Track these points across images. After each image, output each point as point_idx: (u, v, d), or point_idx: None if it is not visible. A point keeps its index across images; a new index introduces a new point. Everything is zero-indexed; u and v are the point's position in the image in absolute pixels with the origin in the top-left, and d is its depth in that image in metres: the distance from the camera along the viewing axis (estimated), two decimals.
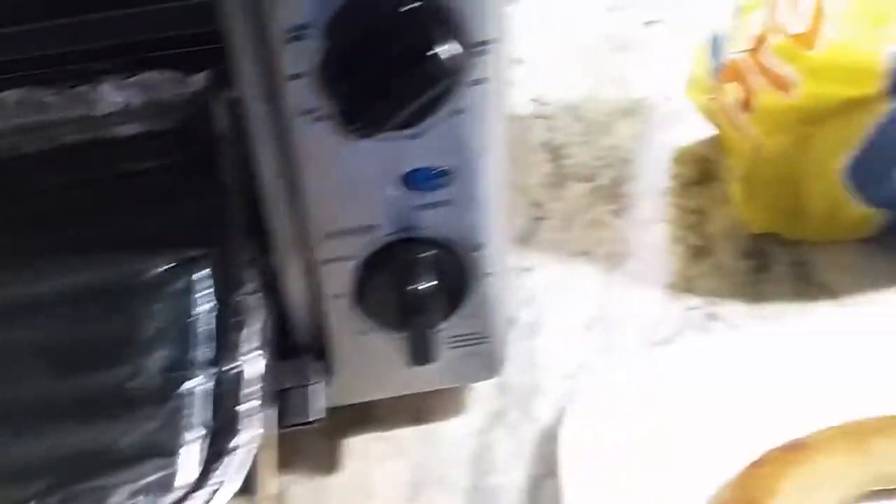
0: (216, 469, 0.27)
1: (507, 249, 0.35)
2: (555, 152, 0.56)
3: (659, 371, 0.40)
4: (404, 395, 0.40)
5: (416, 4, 0.26)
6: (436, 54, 0.26)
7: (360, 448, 0.40)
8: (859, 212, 0.44)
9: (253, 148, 0.31)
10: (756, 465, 0.36)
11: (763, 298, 0.46)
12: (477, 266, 0.34)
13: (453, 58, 0.27)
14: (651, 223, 0.50)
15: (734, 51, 0.42)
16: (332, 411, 0.37)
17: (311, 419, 0.35)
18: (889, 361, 0.40)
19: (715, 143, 0.53)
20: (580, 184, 0.53)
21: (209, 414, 0.29)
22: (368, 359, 0.37)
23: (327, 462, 0.40)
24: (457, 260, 0.34)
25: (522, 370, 0.43)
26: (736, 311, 0.45)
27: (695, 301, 0.46)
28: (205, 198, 0.36)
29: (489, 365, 0.38)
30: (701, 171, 0.53)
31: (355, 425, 0.41)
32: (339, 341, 0.36)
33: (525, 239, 0.50)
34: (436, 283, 0.32)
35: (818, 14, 0.37)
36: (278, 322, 0.36)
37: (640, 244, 0.49)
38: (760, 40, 0.41)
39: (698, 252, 0.48)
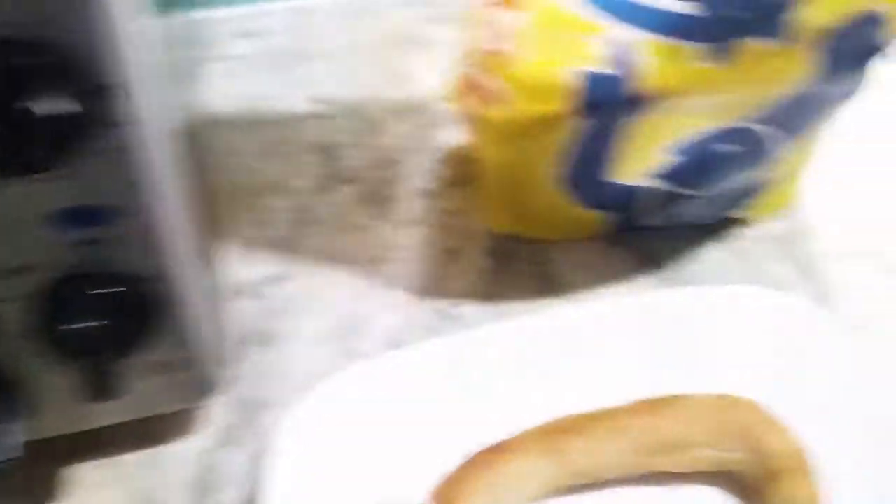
0: None
1: (199, 275, 0.35)
2: (327, 154, 0.56)
3: (385, 375, 0.41)
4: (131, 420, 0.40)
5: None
6: (26, 108, 0.26)
7: (77, 477, 0.40)
8: (585, 214, 0.45)
9: None
10: (459, 467, 0.38)
11: (504, 297, 0.47)
12: (158, 298, 0.34)
13: (50, 110, 0.26)
14: (411, 225, 0.51)
15: (466, 62, 0.43)
16: (48, 441, 0.37)
17: (5, 458, 0.35)
18: (613, 356, 0.41)
19: None
20: (348, 186, 0.53)
21: None
22: (63, 392, 0.36)
23: (41, 495, 0.39)
24: (131, 294, 0.33)
25: (259, 384, 0.43)
26: (476, 311, 0.46)
27: (441, 303, 0.47)
28: None
29: (198, 389, 0.38)
30: (464, 173, 0.53)
31: (76, 453, 0.40)
32: (27, 377, 0.35)
33: (286, 245, 0.50)
34: (97, 320, 0.32)
35: (508, 34, 0.38)
36: None
37: (397, 248, 0.50)
38: (478, 54, 0.41)
39: (450, 253, 0.49)
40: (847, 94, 0.42)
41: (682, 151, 0.41)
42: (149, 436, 0.41)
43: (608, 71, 0.37)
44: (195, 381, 0.38)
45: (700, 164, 0.42)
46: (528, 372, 0.41)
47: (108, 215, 0.31)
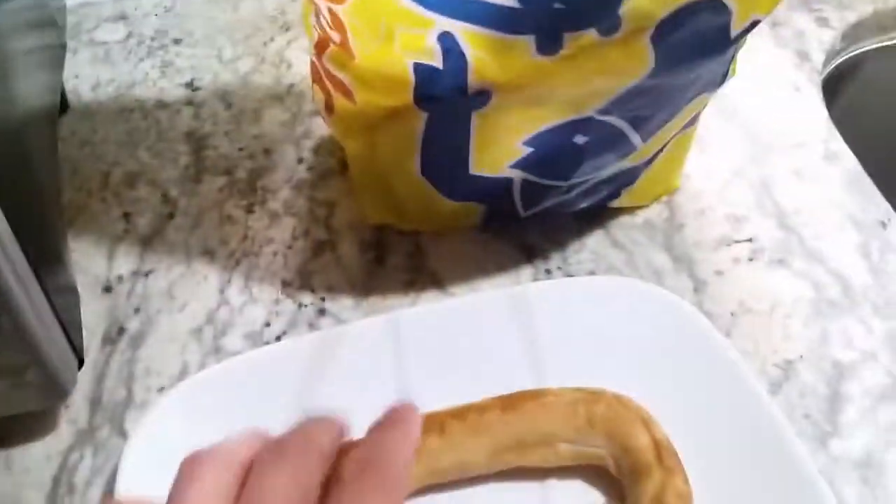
0: None
1: (26, 279, 0.34)
2: (197, 143, 0.55)
3: (249, 371, 0.41)
4: None
5: None
6: None
7: None
8: (455, 206, 0.46)
9: None
10: None
11: (376, 291, 0.47)
12: None
13: None
14: (282, 217, 0.51)
15: (314, 53, 0.42)
16: None
17: None
18: (488, 349, 0.42)
19: None
20: (217, 177, 0.53)
21: None
22: None
23: None
24: None
25: (120, 383, 0.43)
26: (347, 305, 0.47)
27: (308, 297, 0.47)
28: None
29: (50, 391, 0.37)
30: (338, 162, 0.53)
31: None
32: None
33: (151, 239, 0.49)
34: None
35: (341, 26, 0.37)
36: None
37: (266, 240, 0.50)
38: (322, 45, 0.41)
39: (321, 246, 0.49)
40: (708, 85, 0.43)
41: (536, 143, 0.42)
42: (4, 438, 0.40)
43: (436, 64, 0.37)
44: (46, 382, 0.37)
45: (557, 156, 0.43)
46: (401, 367, 0.41)
47: None
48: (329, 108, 0.43)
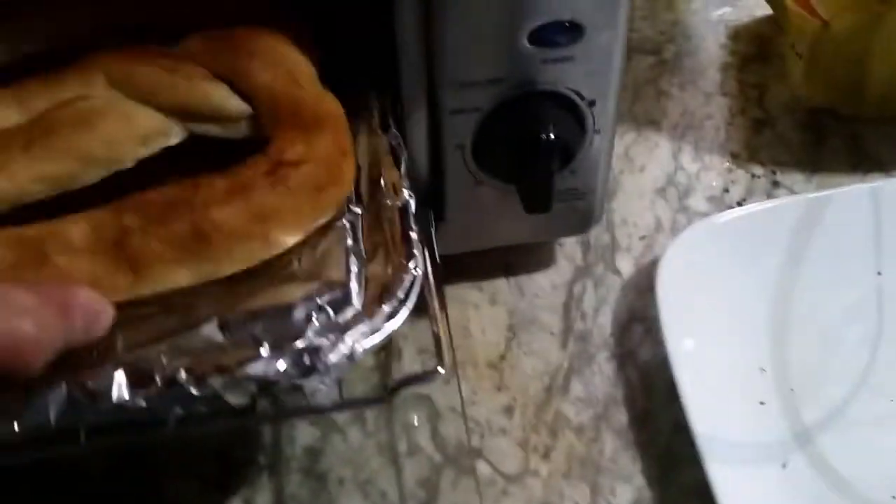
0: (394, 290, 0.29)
1: (617, 107, 0.37)
2: None
3: (732, 229, 0.43)
4: (494, 250, 0.43)
5: None
6: None
7: (457, 296, 0.43)
8: None
9: None
10: None
11: (823, 168, 0.49)
12: (592, 120, 0.36)
13: None
14: (715, 96, 0.52)
15: None
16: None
17: None
18: None
19: (770, 22, 0.55)
20: (646, 56, 0.55)
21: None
22: (478, 210, 0.39)
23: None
24: (575, 114, 0.36)
25: (602, 229, 0.46)
26: (798, 179, 0.48)
27: (759, 169, 0.49)
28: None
29: (586, 219, 0.40)
30: (759, 48, 0.55)
31: (450, 277, 0.43)
32: (452, 192, 0.38)
33: None
34: (559, 133, 0.34)
35: None
36: None
37: (703, 115, 0.52)
38: None
39: (759, 124, 0.51)
40: None
41: None
42: (512, 267, 0.44)
43: None
44: (587, 211, 0.40)
45: None
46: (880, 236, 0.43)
47: (579, 32, 0.33)
48: None
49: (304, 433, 0.39)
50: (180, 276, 0.29)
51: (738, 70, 0.54)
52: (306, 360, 0.27)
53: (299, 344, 0.28)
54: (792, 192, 0.48)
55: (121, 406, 0.27)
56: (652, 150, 0.50)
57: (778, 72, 0.53)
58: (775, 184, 0.48)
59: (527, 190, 0.36)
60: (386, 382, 0.40)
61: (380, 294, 0.29)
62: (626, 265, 0.45)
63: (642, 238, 0.46)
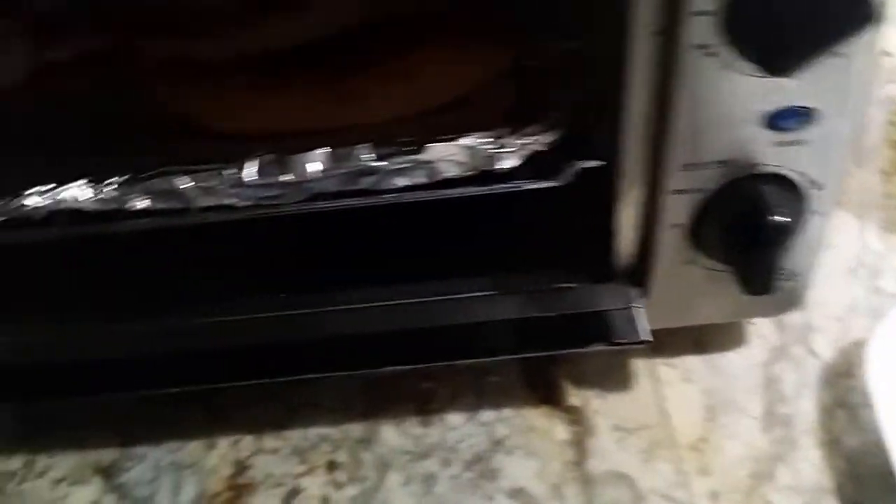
0: None
1: (838, 191, 0.37)
2: None
3: None
4: (686, 327, 0.42)
5: None
6: None
7: (648, 371, 0.42)
8: None
9: (629, 75, 0.33)
10: None
11: None
12: (813, 204, 0.36)
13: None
14: (891, 175, 0.51)
15: None
16: None
17: (641, 339, 0.38)
18: None
19: None
20: None
21: None
22: (683, 288, 0.39)
23: (621, 381, 0.42)
24: (797, 197, 0.35)
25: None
26: None
27: None
28: None
29: (793, 301, 0.40)
30: None
31: (640, 352, 0.43)
32: (662, 269, 0.38)
33: None
34: (783, 215, 0.34)
35: None
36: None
37: (884, 194, 0.51)
38: None
39: None
40: None
41: None
42: (703, 344, 0.43)
43: None
44: (795, 292, 0.39)
45: None
46: None
47: (813, 117, 0.33)
48: None
49: None
50: None
51: None
52: None
53: None
54: None
55: None
56: (838, 230, 0.49)
57: None
58: None
59: (748, 272, 0.36)
60: None
61: None
62: (823, 347, 0.43)
63: (837, 320, 0.44)
